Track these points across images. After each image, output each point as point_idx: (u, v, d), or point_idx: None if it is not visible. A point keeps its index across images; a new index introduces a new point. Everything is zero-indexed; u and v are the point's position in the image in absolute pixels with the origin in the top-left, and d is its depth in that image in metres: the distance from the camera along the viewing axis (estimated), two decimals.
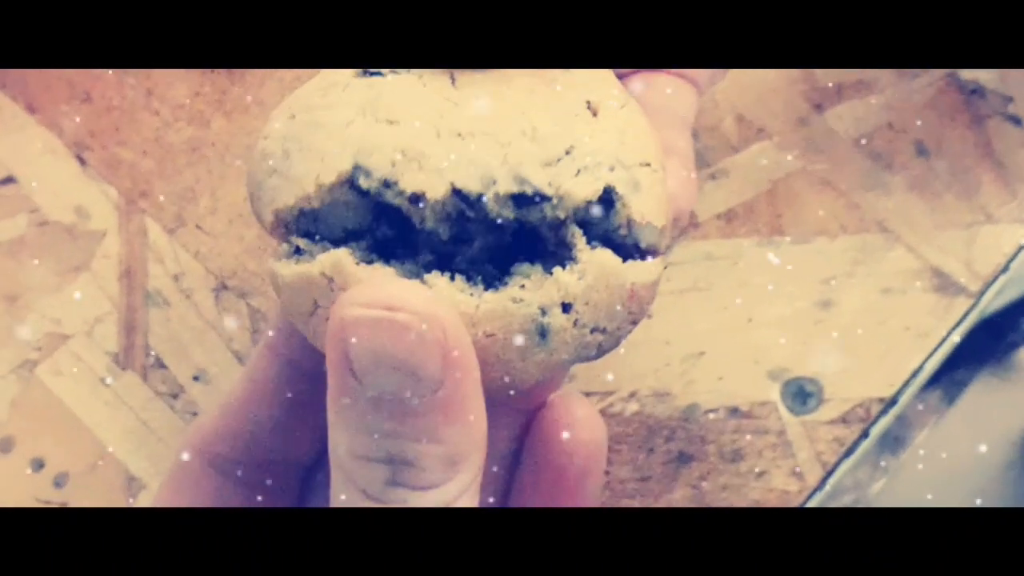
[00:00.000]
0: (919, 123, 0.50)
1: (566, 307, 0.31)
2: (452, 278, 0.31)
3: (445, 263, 0.32)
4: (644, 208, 0.32)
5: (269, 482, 0.38)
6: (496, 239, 0.32)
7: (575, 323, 0.31)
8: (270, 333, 0.37)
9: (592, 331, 0.32)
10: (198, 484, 0.37)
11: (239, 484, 0.37)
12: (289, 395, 0.37)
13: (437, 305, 0.28)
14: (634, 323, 0.33)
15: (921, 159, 0.50)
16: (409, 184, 0.30)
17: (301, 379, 0.37)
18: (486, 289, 0.31)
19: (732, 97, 0.51)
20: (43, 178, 0.50)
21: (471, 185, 0.30)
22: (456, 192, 0.30)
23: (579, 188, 0.31)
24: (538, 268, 0.31)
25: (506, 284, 0.31)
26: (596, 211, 0.31)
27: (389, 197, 0.31)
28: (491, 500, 0.38)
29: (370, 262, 0.31)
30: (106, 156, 0.50)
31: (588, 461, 0.37)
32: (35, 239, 0.49)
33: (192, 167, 0.50)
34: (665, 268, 0.33)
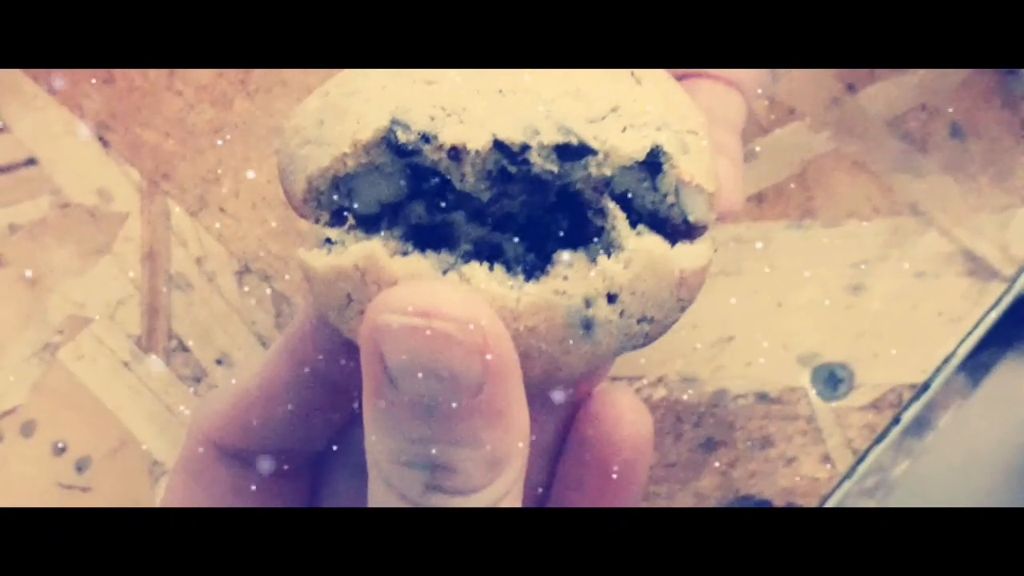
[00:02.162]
0: (953, 104, 0.49)
1: (611, 297, 0.30)
2: (491, 268, 0.30)
3: (483, 252, 0.31)
4: (693, 170, 0.31)
5: (283, 468, 0.37)
6: (539, 200, 0.31)
7: (621, 314, 0.30)
8: (290, 335, 0.36)
9: (639, 321, 0.31)
10: (210, 472, 0.37)
11: (251, 471, 0.37)
12: (305, 397, 0.36)
13: (475, 307, 0.27)
14: (683, 309, 0.32)
15: (955, 141, 0.49)
16: (449, 137, 0.29)
17: (318, 383, 0.36)
18: (527, 280, 0.30)
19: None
20: (65, 160, 0.49)
21: (514, 135, 0.29)
22: (498, 145, 0.29)
23: (626, 144, 0.30)
24: (581, 256, 0.30)
25: (547, 274, 0.30)
26: (642, 175, 0.30)
27: (428, 154, 0.30)
28: (532, 494, 0.37)
29: (405, 253, 0.30)
30: (128, 138, 0.50)
31: (634, 455, 0.36)
32: (57, 221, 0.49)
33: (215, 149, 0.49)
34: (716, 251, 0.32)
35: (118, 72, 0.50)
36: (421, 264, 0.30)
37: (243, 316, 0.48)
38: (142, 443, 0.47)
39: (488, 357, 0.27)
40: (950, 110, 0.49)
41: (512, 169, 0.30)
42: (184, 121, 0.50)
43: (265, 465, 0.37)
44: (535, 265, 0.30)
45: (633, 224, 0.31)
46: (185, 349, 0.47)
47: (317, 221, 0.31)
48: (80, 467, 0.46)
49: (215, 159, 0.49)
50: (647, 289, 0.30)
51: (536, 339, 0.30)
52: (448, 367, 0.27)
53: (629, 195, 0.31)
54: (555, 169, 0.30)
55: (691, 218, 0.31)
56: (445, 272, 0.30)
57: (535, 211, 0.31)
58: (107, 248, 0.49)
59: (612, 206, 0.30)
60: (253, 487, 0.37)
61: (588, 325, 0.30)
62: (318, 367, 0.36)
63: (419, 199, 0.31)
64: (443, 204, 0.31)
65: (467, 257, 0.30)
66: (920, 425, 0.47)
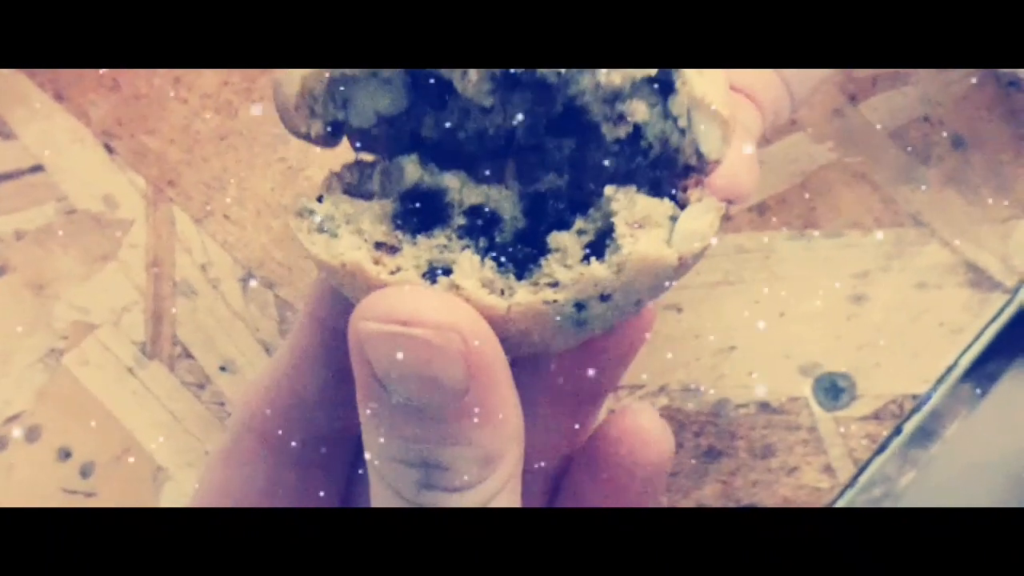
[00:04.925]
0: (955, 116, 0.50)
1: (604, 297, 0.29)
2: (483, 260, 0.29)
3: (475, 230, 0.30)
4: (707, 90, 0.28)
5: (322, 454, 0.37)
6: (544, 112, 0.29)
7: (614, 307, 0.29)
8: (310, 300, 0.36)
9: (635, 304, 0.30)
10: (251, 461, 0.37)
11: (291, 459, 0.37)
12: (335, 366, 0.36)
13: (455, 314, 0.27)
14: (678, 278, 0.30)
15: (957, 152, 0.49)
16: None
17: (343, 350, 0.36)
18: (519, 276, 0.29)
19: None
20: (71, 166, 0.50)
21: None
22: None
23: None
24: (574, 239, 0.29)
25: (540, 267, 0.29)
26: (653, 99, 0.29)
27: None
28: (537, 500, 0.37)
29: (393, 249, 0.30)
30: (134, 145, 0.50)
31: (652, 475, 0.35)
32: (63, 228, 0.49)
33: (220, 156, 0.50)
34: (725, 216, 0.30)
35: (124, 79, 0.50)
36: (408, 272, 0.29)
37: (247, 323, 0.48)
38: (146, 449, 0.47)
39: (471, 359, 0.27)
40: (952, 122, 0.49)
41: (516, 71, 0.28)
42: (189, 129, 0.50)
43: (303, 452, 0.37)
44: (528, 257, 0.30)
45: (639, 178, 0.29)
46: (189, 356, 0.48)
47: (309, 132, 0.30)
48: (84, 473, 0.46)
49: (220, 167, 0.49)
50: (641, 285, 0.29)
51: (527, 336, 0.29)
52: (431, 372, 0.27)
53: (636, 126, 0.29)
54: (561, 71, 0.28)
55: (703, 149, 0.29)
56: (434, 278, 0.29)
57: (538, 128, 0.30)
58: (112, 255, 0.49)
59: (611, 191, 0.29)
60: (292, 476, 0.37)
61: (581, 323, 0.29)
62: (340, 327, 0.35)
63: (415, 150, 0.30)
64: (444, 126, 0.30)
65: (460, 232, 0.30)
66: (926, 435, 0.47)
